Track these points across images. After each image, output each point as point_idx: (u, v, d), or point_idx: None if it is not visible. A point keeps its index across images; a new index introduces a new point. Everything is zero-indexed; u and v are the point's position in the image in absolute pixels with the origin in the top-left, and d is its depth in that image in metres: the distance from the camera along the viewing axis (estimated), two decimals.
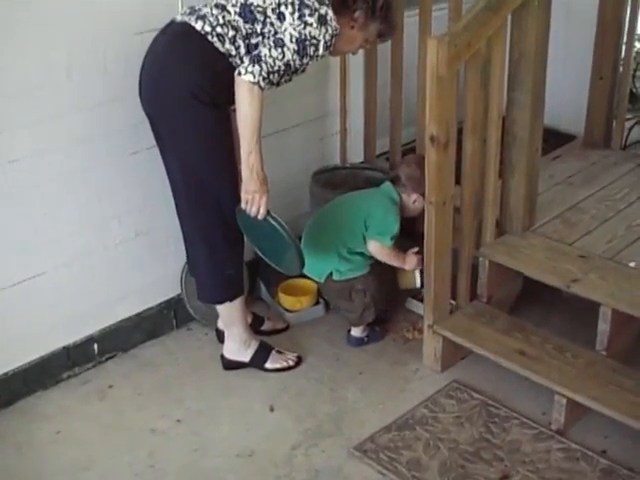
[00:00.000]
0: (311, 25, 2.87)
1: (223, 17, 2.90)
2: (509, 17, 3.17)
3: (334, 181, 3.75)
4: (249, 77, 2.81)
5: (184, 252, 3.34)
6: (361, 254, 3.41)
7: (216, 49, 2.89)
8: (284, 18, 2.89)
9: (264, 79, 2.82)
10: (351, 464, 2.92)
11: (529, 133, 3.30)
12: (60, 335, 3.32)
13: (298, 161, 3.30)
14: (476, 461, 2.91)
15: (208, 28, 2.88)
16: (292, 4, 2.90)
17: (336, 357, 3.49)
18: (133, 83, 3.04)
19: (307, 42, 2.88)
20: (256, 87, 2.82)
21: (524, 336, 3.24)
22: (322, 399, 3.24)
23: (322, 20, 2.90)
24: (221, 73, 2.90)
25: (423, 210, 3.21)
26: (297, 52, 2.87)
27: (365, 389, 3.30)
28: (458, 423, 3.08)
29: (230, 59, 2.91)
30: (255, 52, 2.86)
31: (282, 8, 2.91)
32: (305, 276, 3.68)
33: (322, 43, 2.91)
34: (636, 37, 4.20)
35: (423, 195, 3.24)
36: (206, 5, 2.95)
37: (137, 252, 3.44)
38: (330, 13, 2.92)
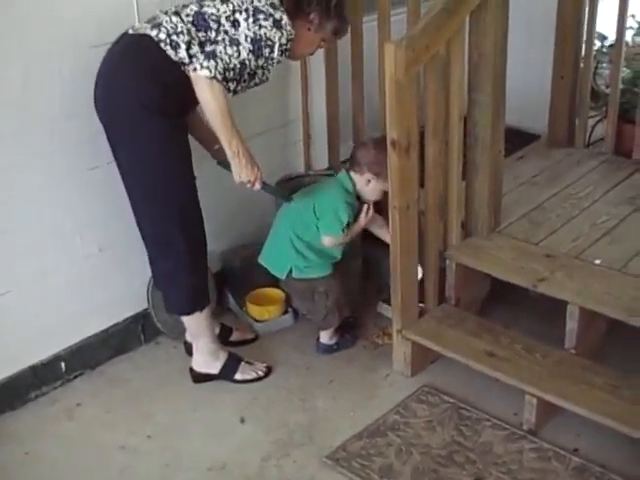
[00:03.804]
0: (265, 27, 2.89)
1: (180, 25, 2.89)
2: (467, 19, 3.17)
3: (298, 189, 3.72)
4: (205, 72, 2.82)
5: (149, 266, 3.31)
6: (318, 253, 3.38)
7: (168, 57, 2.87)
8: (239, 24, 2.90)
9: (220, 74, 2.84)
10: (323, 473, 2.91)
11: (491, 134, 3.31)
12: (26, 354, 3.27)
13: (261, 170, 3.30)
14: (449, 465, 2.90)
15: (163, 36, 2.87)
16: (246, 11, 2.90)
17: (306, 366, 3.47)
18: (90, 97, 3.01)
19: (262, 42, 2.90)
20: (214, 81, 2.84)
21: (493, 337, 3.24)
22: (293, 409, 3.22)
23: (277, 24, 2.91)
24: (173, 82, 2.89)
25: (385, 194, 3.22)
26: (252, 52, 2.89)
27: (336, 397, 3.28)
28: (430, 427, 3.07)
29: (183, 67, 2.89)
30: (209, 49, 2.86)
31: (236, 15, 2.91)
32: (273, 285, 3.67)
33: (277, 46, 2.93)
34: (595, 35, 4.22)
35: (377, 175, 3.25)
36: (166, 13, 2.94)
37: (101, 267, 3.40)
38: (285, 18, 2.94)
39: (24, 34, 2.93)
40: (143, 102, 2.87)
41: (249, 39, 2.87)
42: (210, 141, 3.18)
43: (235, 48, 2.86)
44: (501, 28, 3.20)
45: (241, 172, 3.02)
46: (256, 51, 2.90)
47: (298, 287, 3.48)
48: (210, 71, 2.82)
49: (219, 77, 2.84)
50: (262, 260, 3.51)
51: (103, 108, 3.00)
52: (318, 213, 3.33)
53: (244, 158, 3.00)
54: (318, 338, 3.55)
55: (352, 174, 3.36)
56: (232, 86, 2.93)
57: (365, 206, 3.36)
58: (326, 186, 3.43)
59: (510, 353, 3.15)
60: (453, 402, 3.19)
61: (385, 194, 3.24)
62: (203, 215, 3.15)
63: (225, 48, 2.85)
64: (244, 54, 2.88)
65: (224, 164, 3.10)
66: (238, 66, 2.89)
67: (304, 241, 3.36)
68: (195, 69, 2.84)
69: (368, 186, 3.34)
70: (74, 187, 3.22)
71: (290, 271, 3.41)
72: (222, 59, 2.84)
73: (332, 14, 3.10)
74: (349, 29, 3.33)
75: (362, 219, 3.36)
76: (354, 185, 3.36)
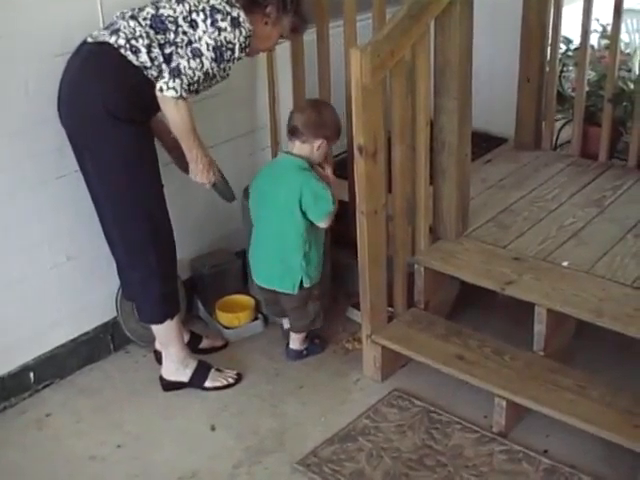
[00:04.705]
0: (225, 30, 2.90)
1: (138, 29, 2.90)
2: (432, 24, 3.19)
3: None
4: (172, 93, 2.84)
5: (117, 274, 3.32)
6: (318, 250, 3.33)
7: (129, 62, 2.88)
8: (197, 25, 2.92)
9: (186, 91, 2.86)
10: (295, 479, 2.90)
11: (458, 138, 3.33)
12: None
13: (229, 177, 3.29)
14: (420, 468, 2.90)
15: (122, 41, 2.88)
16: (203, 11, 2.92)
17: (276, 372, 3.46)
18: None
19: (223, 48, 2.91)
20: (180, 100, 2.87)
21: (462, 341, 3.26)
22: (263, 415, 3.22)
23: (235, 23, 2.92)
24: (136, 87, 2.91)
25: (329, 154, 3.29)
26: (215, 60, 2.91)
27: (306, 403, 3.28)
28: (400, 431, 3.08)
29: (145, 72, 2.91)
30: (173, 65, 2.88)
31: (194, 15, 2.93)
32: (242, 292, 3.66)
33: (237, 46, 2.94)
34: (561, 39, 4.25)
35: (328, 138, 3.25)
36: (123, 17, 2.94)
37: (69, 277, 3.38)
38: (242, 15, 2.95)
39: None
40: (109, 109, 2.86)
41: (210, 47, 2.89)
42: (164, 131, 3.17)
43: (198, 60, 2.88)
44: (466, 32, 3.22)
45: (197, 175, 3.13)
46: (218, 58, 2.91)
47: (300, 296, 3.38)
48: (176, 91, 2.85)
49: (185, 95, 2.87)
50: (264, 283, 3.42)
51: (69, 119, 2.99)
52: (305, 207, 3.22)
53: (201, 164, 3.09)
54: (287, 344, 3.54)
55: (298, 146, 3.26)
56: (195, 89, 2.94)
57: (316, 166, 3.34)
58: (286, 181, 3.27)
59: (479, 356, 3.17)
60: (423, 406, 3.20)
61: (353, 198, 3.23)
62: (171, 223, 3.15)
63: (188, 62, 2.87)
64: (207, 64, 2.90)
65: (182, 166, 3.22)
66: (202, 77, 2.91)
67: (308, 241, 3.29)
68: (161, 89, 2.86)
69: (318, 151, 3.27)
70: (41, 196, 3.20)
71: (300, 283, 3.34)
72: (187, 75, 2.86)
73: (289, 8, 3.12)
74: (307, 27, 3.35)
75: (329, 173, 3.35)
76: (302, 157, 3.27)
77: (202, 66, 2.88)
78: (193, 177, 3.15)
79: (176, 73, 2.85)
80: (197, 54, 2.88)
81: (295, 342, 3.52)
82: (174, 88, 2.84)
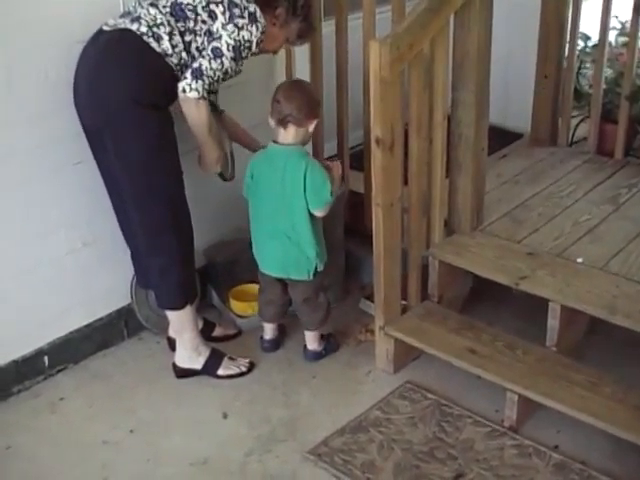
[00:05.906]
0: (242, 28, 2.96)
1: (159, 17, 2.93)
2: (451, 18, 3.19)
3: None
4: (194, 94, 2.93)
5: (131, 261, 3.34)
6: (319, 234, 3.29)
7: (152, 49, 2.92)
8: (216, 17, 2.97)
9: (207, 91, 2.95)
10: (305, 468, 2.92)
11: (474, 132, 3.33)
12: (9, 349, 3.27)
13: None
14: (430, 461, 2.91)
15: (144, 29, 2.91)
16: (222, 3, 2.98)
17: (288, 362, 3.48)
18: None
19: (242, 47, 2.98)
20: (201, 100, 2.95)
21: (475, 334, 3.26)
22: (275, 404, 3.23)
23: (252, 18, 2.98)
24: (158, 74, 2.95)
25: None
26: (234, 59, 2.98)
27: (318, 393, 3.29)
28: (412, 424, 3.09)
29: (166, 58, 2.94)
30: (195, 65, 2.93)
31: (212, 6, 2.98)
32: (256, 281, 3.66)
33: (254, 42, 3.01)
34: (579, 35, 4.24)
35: (318, 115, 3.28)
36: (141, 5, 2.98)
37: (85, 262, 3.40)
38: (258, 10, 3.01)
39: (6, 32, 2.92)
40: (133, 96, 2.89)
41: (230, 47, 2.96)
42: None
43: (219, 60, 2.94)
44: (485, 27, 3.22)
45: (204, 165, 3.25)
46: (237, 57, 2.99)
47: (315, 283, 3.36)
48: (198, 92, 2.93)
49: (206, 95, 2.95)
50: (278, 272, 3.38)
51: (88, 106, 3.00)
52: (307, 192, 3.17)
53: (209, 157, 3.20)
54: (305, 346, 3.49)
55: (294, 133, 3.18)
56: (213, 87, 3.02)
57: (334, 164, 3.33)
58: (291, 169, 3.20)
59: (492, 350, 3.17)
60: (435, 399, 3.21)
61: (369, 190, 3.23)
62: None
63: (210, 62, 2.93)
64: (227, 64, 2.97)
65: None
66: (222, 77, 3.00)
67: (315, 225, 3.26)
68: (184, 90, 2.92)
69: (310, 131, 3.24)
70: (58, 182, 3.22)
71: (315, 268, 3.32)
72: (208, 75, 2.93)
73: (298, 12, 3.16)
74: (313, 34, 3.42)
75: (336, 178, 3.30)
76: (297, 144, 3.22)
77: (222, 66, 2.96)
78: (201, 165, 3.25)
79: (198, 74, 2.92)
80: (218, 54, 2.94)
81: (313, 342, 3.48)
82: (197, 89, 2.92)
